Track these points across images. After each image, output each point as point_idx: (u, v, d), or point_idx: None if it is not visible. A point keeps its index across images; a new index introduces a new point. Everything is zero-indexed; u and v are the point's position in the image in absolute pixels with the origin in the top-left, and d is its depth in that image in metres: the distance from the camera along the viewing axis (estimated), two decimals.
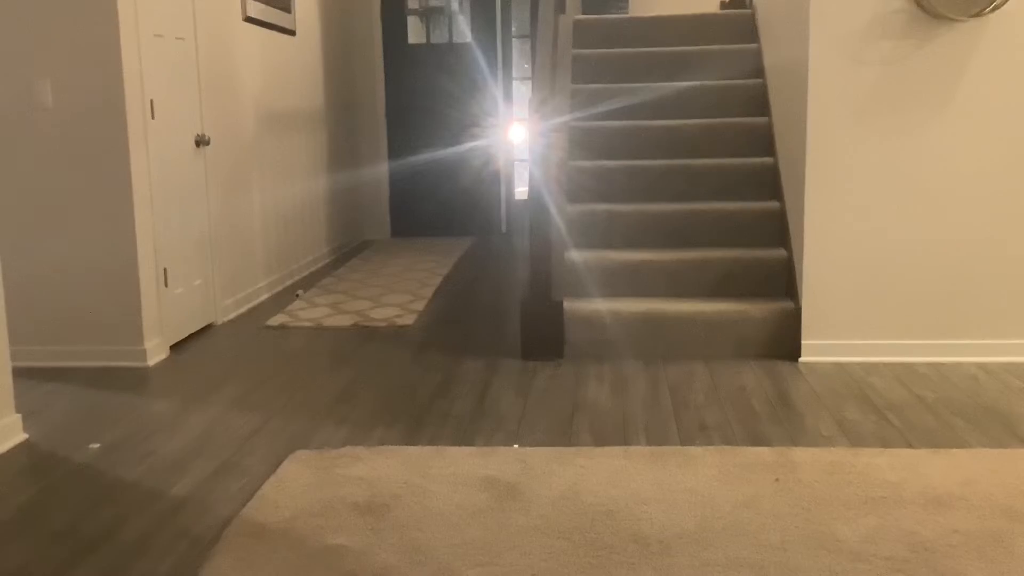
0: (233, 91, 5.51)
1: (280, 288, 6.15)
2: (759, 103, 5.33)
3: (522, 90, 8.43)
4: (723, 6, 7.04)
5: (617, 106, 5.43)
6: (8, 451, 3.36)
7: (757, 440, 3.32)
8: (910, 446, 3.24)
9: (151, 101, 4.45)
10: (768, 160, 4.99)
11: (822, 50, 4.15)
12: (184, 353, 4.64)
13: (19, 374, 3.67)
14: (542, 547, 2.52)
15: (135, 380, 4.19)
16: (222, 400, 3.88)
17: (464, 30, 8.19)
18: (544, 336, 4.40)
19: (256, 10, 5.77)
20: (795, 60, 4.41)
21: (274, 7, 6.13)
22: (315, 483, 2.97)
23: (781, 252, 4.60)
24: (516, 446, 3.15)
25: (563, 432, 3.45)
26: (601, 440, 3.35)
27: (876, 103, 4.15)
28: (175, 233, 4.71)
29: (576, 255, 4.65)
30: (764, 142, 5.12)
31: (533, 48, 5.14)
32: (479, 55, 8.08)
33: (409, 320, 5.22)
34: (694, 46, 5.82)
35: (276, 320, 5.29)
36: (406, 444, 3.34)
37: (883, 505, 2.73)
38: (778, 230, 4.72)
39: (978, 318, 4.21)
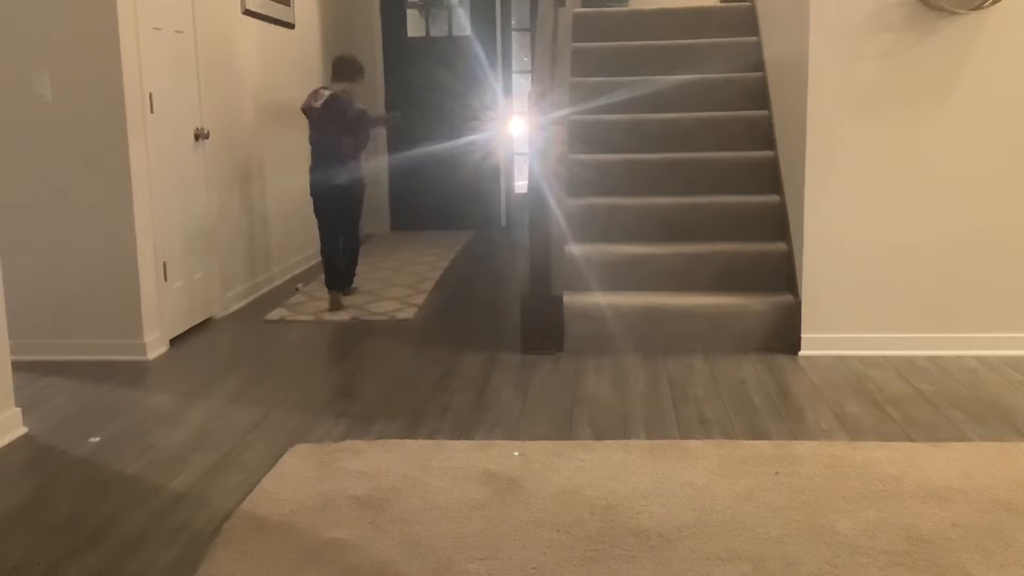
0: (232, 84, 5.50)
1: (280, 282, 6.15)
2: (759, 96, 5.32)
3: (522, 83, 8.41)
4: None
5: (617, 99, 5.42)
6: (8, 445, 3.36)
7: (757, 434, 3.32)
8: (909, 439, 3.24)
9: (150, 94, 4.45)
10: (768, 153, 4.99)
11: (822, 43, 4.14)
12: (184, 347, 4.64)
13: (19, 368, 3.67)
14: (542, 540, 2.52)
15: (135, 374, 4.19)
16: (222, 394, 3.88)
17: (463, 23, 8.18)
18: (544, 330, 4.40)
19: (255, 3, 5.76)
20: (795, 53, 4.40)
21: (273, 0, 6.12)
22: (315, 477, 2.97)
23: (781, 246, 4.59)
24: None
25: (563, 426, 3.45)
26: (601, 434, 3.35)
27: (876, 97, 4.14)
28: (174, 227, 4.71)
29: (576, 249, 4.65)
30: (764, 135, 5.11)
31: (533, 41, 5.14)
32: (478, 48, 8.06)
33: (409, 314, 5.22)
34: (694, 39, 5.81)
35: (276, 314, 5.29)
36: (406, 438, 3.34)
37: (882, 498, 2.74)
38: (778, 224, 4.72)
39: (978, 312, 4.21)
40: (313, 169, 5.36)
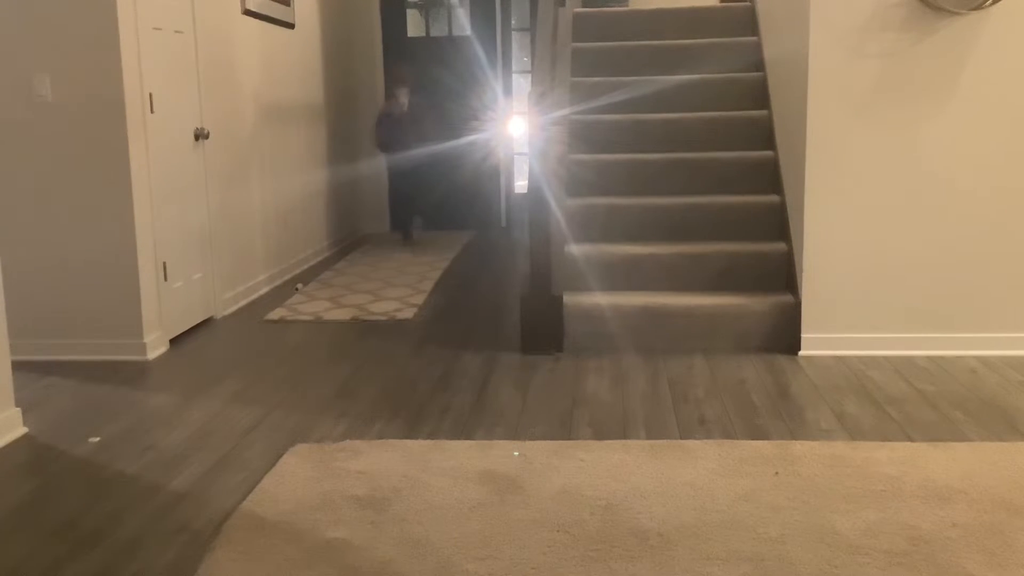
0: (232, 84, 5.50)
1: (280, 282, 6.15)
2: (759, 96, 5.32)
3: (522, 83, 8.41)
4: None
5: (617, 99, 5.42)
6: (8, 445, 3.36)
7: (756, 434, 3.32)
8: (909, 439, 3.24)
9: (150, 95, 4.45)
10: (768, 153, 4.99)
11: (822, 43, 4.14)
12: (184, 347, 4.64)
13: (19, 368, 3.67)
14: (542, 540, 2.52)
15: (135, 374, 4.19)
16: (222, 394, 3.88)
17: (463, 23, 8.18)
18: (544, 330, 4.40)
19: (255, 3, 5.76)
20: (795, 53, 4.40)
21: (273, 0, 6.12)
22: (315, 477, 2.97)
23: (781, 246, 4.59)
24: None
25: (563, 426, 3.45)
26: (601, 434, 3.35)
27: (877, 97, 4.14)
28: (174, 227, 4.71)
29: (576, 249, 4.65)
30: (764, 135, 5.11)
31: (533, 41, 5.14)
32: (478, 48, 8.06)
33: (409, 314, 5.22)
34: (694, 39, 5.81)
35: (276, 314, 5.29)
36: (406, 438, 3.34)
37: (882, 498, 2.74)
38: (778, 223, 4.72)
39: (978, 311, 4.21)
40: (388, 156, 7.61)
